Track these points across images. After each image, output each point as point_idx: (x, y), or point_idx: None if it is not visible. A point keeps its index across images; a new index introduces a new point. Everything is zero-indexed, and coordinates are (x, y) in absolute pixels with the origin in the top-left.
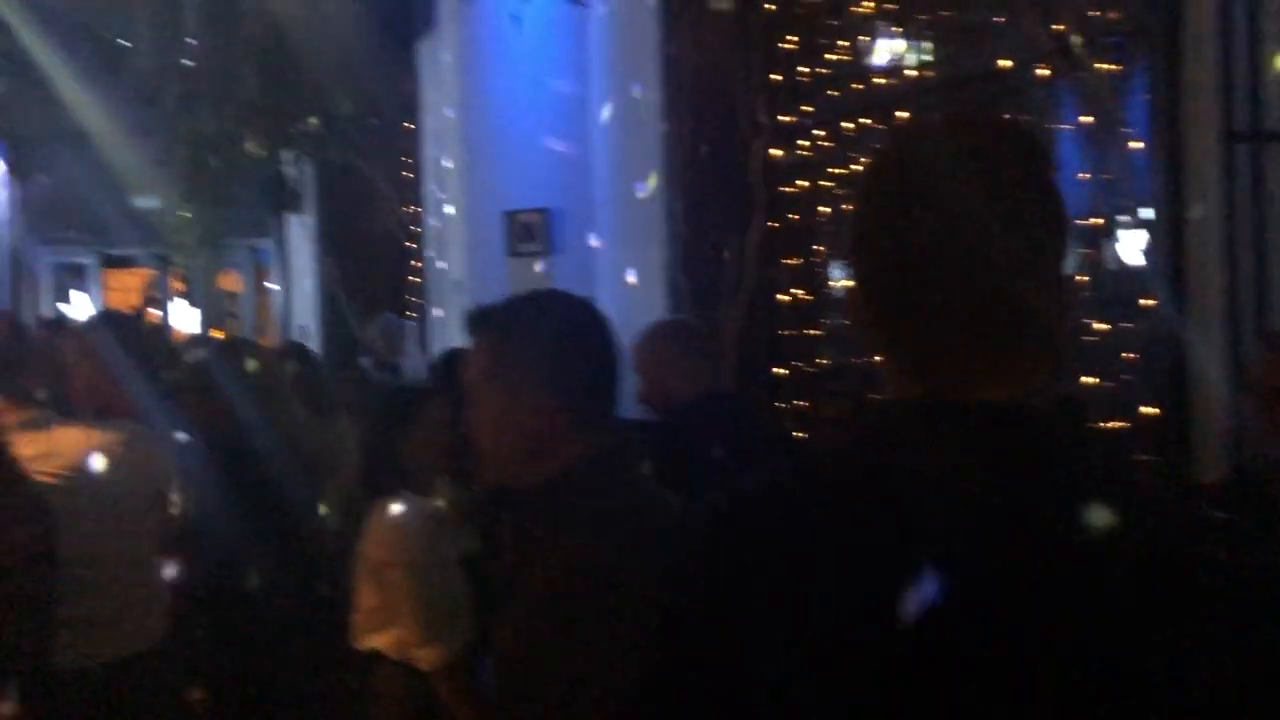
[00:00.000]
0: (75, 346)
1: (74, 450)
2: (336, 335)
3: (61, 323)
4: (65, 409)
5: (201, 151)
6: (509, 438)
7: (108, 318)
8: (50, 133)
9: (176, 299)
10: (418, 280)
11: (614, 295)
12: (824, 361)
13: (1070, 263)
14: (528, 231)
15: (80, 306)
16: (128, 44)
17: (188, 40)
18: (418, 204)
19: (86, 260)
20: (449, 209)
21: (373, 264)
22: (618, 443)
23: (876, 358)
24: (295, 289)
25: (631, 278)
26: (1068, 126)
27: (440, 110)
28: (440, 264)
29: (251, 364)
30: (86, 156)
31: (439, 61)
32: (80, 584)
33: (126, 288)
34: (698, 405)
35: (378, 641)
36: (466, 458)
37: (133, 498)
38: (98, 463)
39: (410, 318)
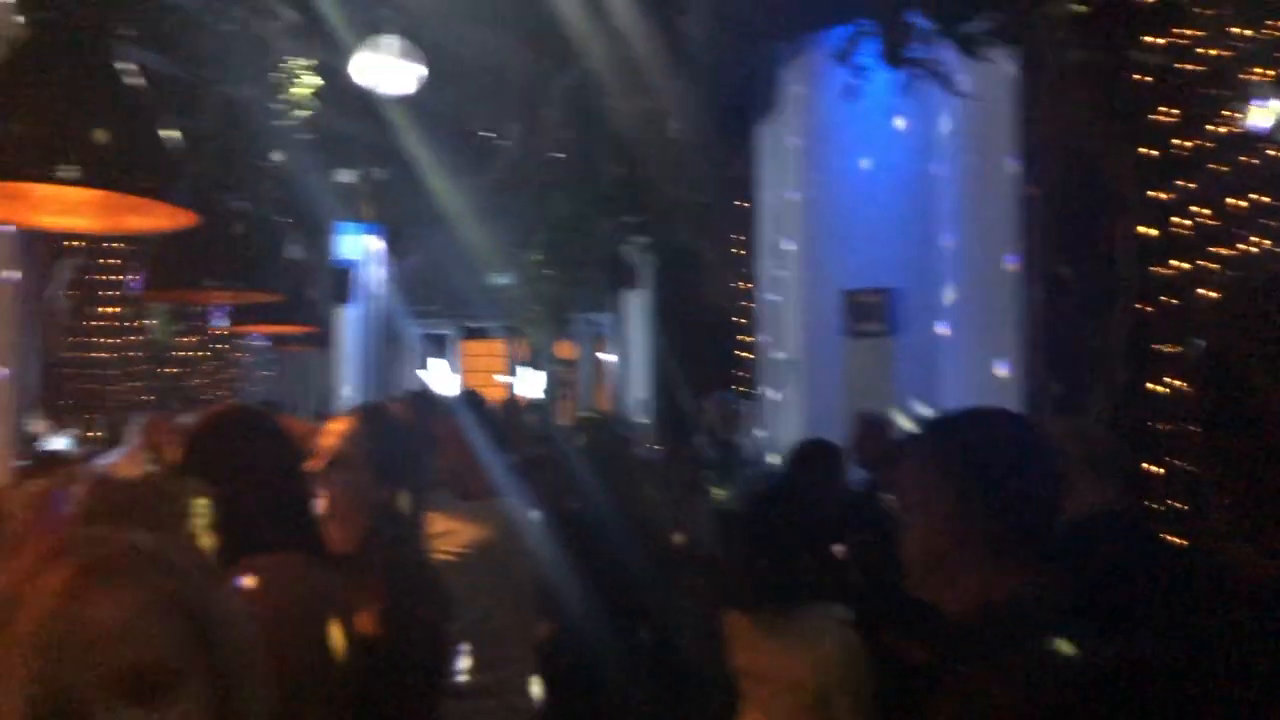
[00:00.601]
0: (443, 427)
1: (468, 530)
2: (668, 409)
3: (425, 398)
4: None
5: (558, 234)
6: (922, 554)
7: (470, 398)
8: (421, 217)
9: (522, 367)
10: (749, 358)
11: (961, 382)
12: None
13: None
14: (867, 312)
15: (438, 374)
16: (493, 135)
17: (550, 133)
18: (750, 282)
19: (448, 331)
20: (785, 288)
21: (705, 340)
22: (1044, 584)
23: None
24: (629, 362)
25: (984, 364)
26: None
27: (779, 190)
28: (773, 343)
29: (604, 440)
30: (452, 239)
31: (780, 142)
32: (471, 658)
33: (480, 355)
34: (1091, 525)
35: None
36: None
37: (516, 575)
38: (487, 542)
39: (744, 395)
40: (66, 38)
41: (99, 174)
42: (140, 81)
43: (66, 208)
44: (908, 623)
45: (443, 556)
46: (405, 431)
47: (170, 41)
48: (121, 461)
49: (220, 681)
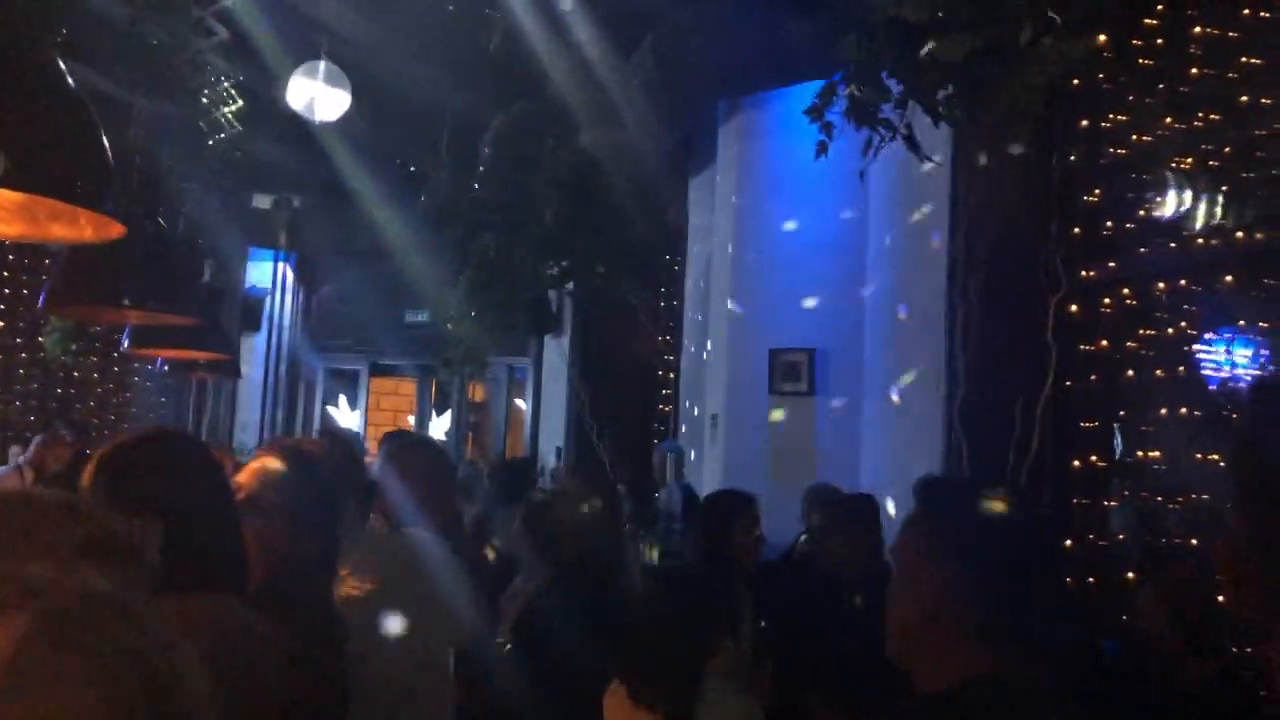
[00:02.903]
0: (394, 466)
1: (386, 563)
2: (581, 456)
3: (336, 433)
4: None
5: (485, 274)
6: (906, 624)
7: (401, 436)
8: (337, 249)
9: (434, 409)
10: (667, 410)
11: (881, 445)
12: (1121, 536)
13: None
14: (792, 371)
15: (345, 412)
16: (423, 169)
17: (483, 171)
18: (673, 334)
19: (357, 367)
20: (710, 342)
21: (624, 390)
22: (1027, 665)
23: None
24: (546, 408)
25: (907, 429)
26: None
27: (708, 244)
28: (695, 397)
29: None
30: (368, 272)
31: (714, 196)
32: (373, 701)
33: (390, 394)
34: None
35: None
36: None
37: (438, 613)
38: (409, 577)
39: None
40: (3, 37)
41: (25, 176)
42: (75, 87)
43: None
44: (830, 692)
45: (350, 590)
46: (326, 475)
47: (99, 52)
48: (4, 479)
49: None
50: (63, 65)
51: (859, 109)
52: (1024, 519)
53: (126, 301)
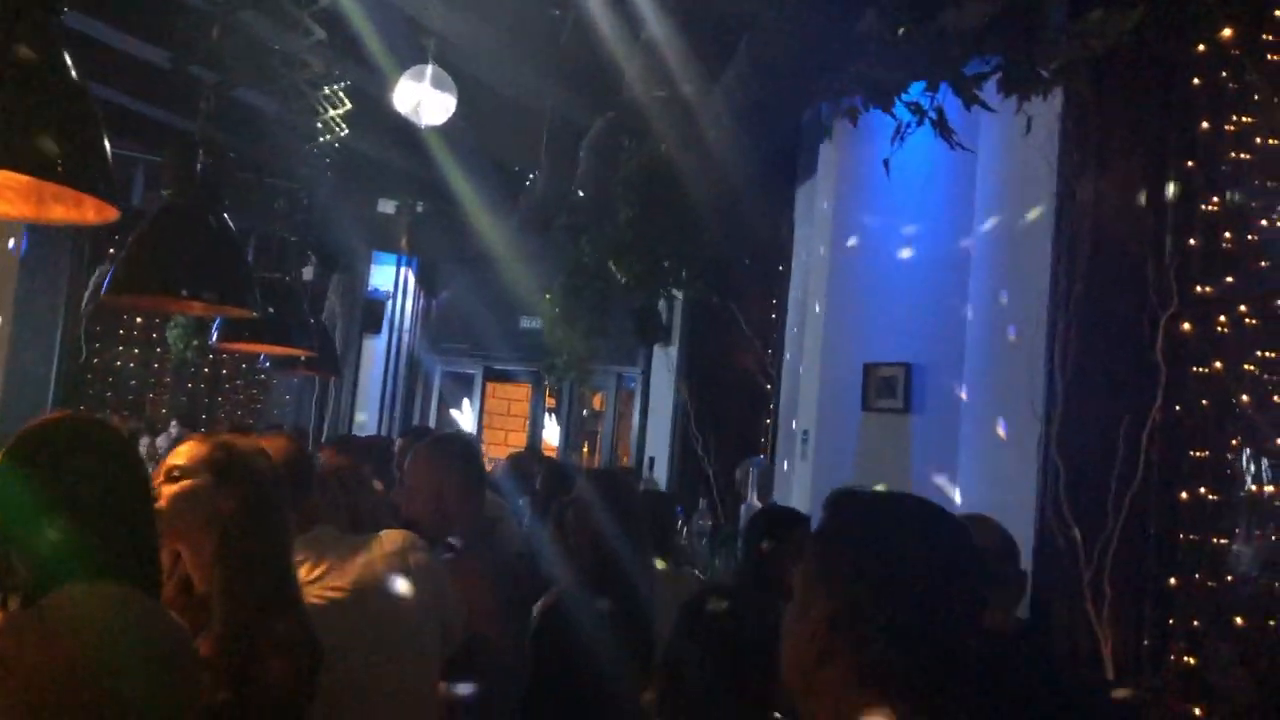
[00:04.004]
0: (417, 463)
1: (357, 568)
2: (685, 468)
3: (417, 436)
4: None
5: (578, 280)
6: (798, 666)
7: (451, 438)
8: (456, 254)
9: (547, 413)
10: (770, 424)
11: (977, 466)
12: (1230, 578)
13: None
14: (887, 386)
15: (465, 414)
16: (528, 176)
17: (580, 175)
18: (778, 347)
19: (472, 371)
20: (806, 355)
21: (729, 402)
22: (929, 716)
23: None
24: (653, 418)
25: (999, 447)
26: None
27: (810, 255)
28: (791, 411)
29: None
30: (485, 277)
31: (815, 206)
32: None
33: (505, 399)
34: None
35: None
36: None
37: (415, 622)
38: (382, 582)
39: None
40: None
41: (14, 157)
42: (75, 73)
43: None
44: None
45: (315, 599)
46: (261, 453)
47: (180, 39)
48: None
49: None
50: (66, 55)
51: (872, 89)
52: (942, 541)
53: (184, 292)
